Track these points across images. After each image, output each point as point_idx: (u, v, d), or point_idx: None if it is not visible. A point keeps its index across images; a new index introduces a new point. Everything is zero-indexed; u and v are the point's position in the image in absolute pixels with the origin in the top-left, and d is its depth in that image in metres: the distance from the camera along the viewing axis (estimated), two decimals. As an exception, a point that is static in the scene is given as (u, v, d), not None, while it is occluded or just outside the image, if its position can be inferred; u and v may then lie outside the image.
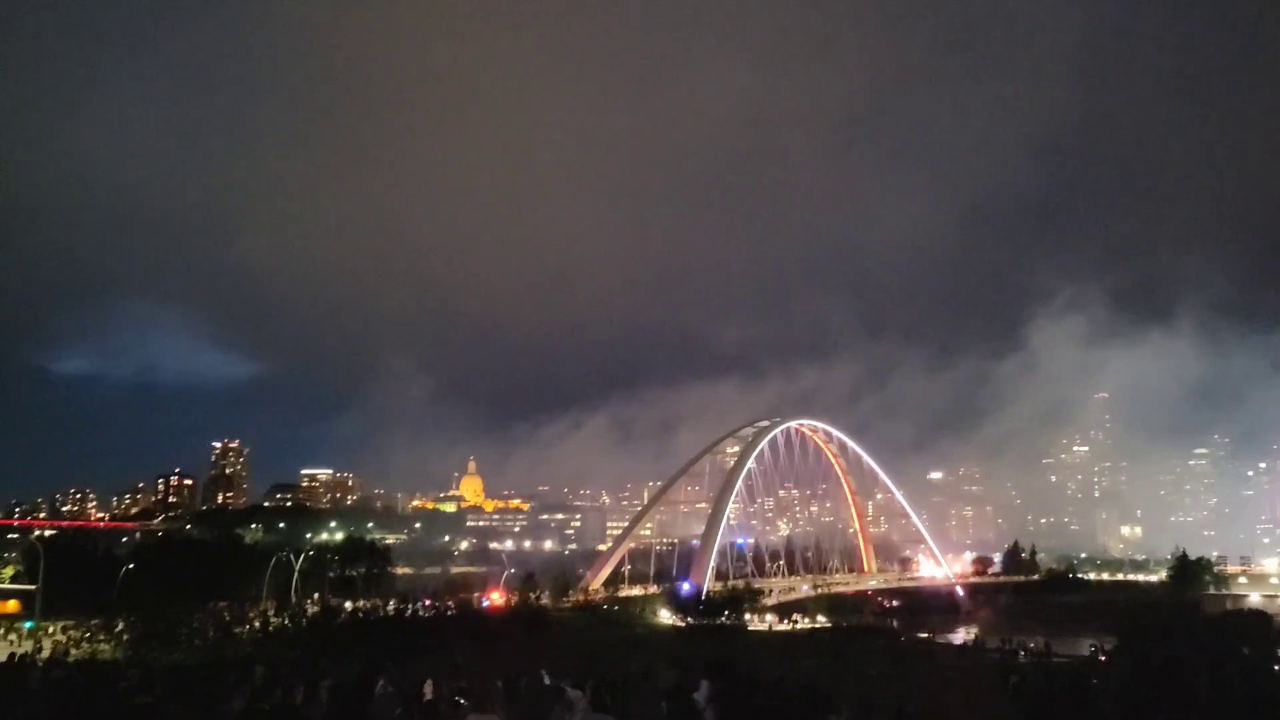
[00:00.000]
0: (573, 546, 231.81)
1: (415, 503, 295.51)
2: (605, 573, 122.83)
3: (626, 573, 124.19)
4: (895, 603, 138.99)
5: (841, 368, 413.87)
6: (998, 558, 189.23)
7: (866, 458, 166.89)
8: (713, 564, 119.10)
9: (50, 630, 61.58)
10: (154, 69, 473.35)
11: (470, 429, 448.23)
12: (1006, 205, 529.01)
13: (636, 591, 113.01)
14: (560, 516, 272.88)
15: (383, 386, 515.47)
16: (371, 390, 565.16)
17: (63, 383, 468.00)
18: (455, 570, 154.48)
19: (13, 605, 79.10)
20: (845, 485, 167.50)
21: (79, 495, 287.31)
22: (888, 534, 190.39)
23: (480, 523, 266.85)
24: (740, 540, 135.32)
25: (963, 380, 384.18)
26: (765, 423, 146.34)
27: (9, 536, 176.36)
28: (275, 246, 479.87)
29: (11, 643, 53.09)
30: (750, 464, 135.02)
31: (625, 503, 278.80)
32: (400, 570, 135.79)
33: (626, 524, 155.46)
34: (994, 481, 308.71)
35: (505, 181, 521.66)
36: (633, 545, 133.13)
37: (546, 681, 15.15)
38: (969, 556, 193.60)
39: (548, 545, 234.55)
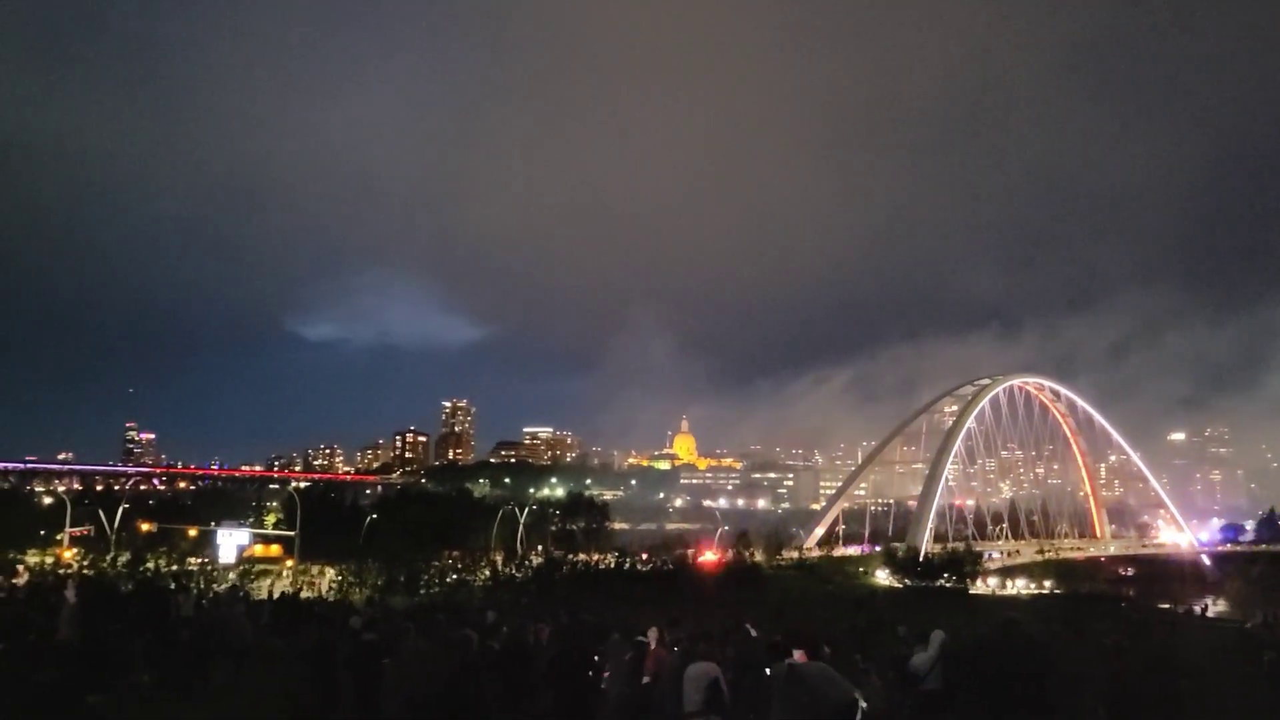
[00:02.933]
0: (785, 506, 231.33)
1: (630, 460, 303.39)
2: (819, 532, 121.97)
3: (841, 533, 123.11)
4: (1131, 571, 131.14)
5: (1101, 319, 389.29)
6: (1250, 525, 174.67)
7: (1098, 417, 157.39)
8: (930, 525, 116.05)
9: (306, 571, 67.45)
10: (385, 59, 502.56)
11: (684, 389, 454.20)
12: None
13: (851, 551, 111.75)
14: (772, 476, 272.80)
15: (601, 350, 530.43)
16: (591, 353, 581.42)
17: (314, 347, 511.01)
18: (670, 526, 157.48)
19: (275, 549, 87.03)
20: (1074, 446, 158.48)
21: (328, 450, 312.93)
22: (1123, 498, 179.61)
23: (693, 480, 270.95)
24: (959, 501, 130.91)
25: (1231, 336, 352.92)
26: (986, 381, 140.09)
27: (270, 487, 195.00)
28: (497, 218, 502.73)
29: (276, 583, 58.31)
30: (969, 423, 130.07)
31: (839, 463, 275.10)
32: (617, 525, 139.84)
33: (840, 484, 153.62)
34: (1246, 443, 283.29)
35: (717, 142, 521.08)
36: (847, 505, 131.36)
37: (754, 634, 15.32)
38: (1216, 523, 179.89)
39: (760, 504, 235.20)
